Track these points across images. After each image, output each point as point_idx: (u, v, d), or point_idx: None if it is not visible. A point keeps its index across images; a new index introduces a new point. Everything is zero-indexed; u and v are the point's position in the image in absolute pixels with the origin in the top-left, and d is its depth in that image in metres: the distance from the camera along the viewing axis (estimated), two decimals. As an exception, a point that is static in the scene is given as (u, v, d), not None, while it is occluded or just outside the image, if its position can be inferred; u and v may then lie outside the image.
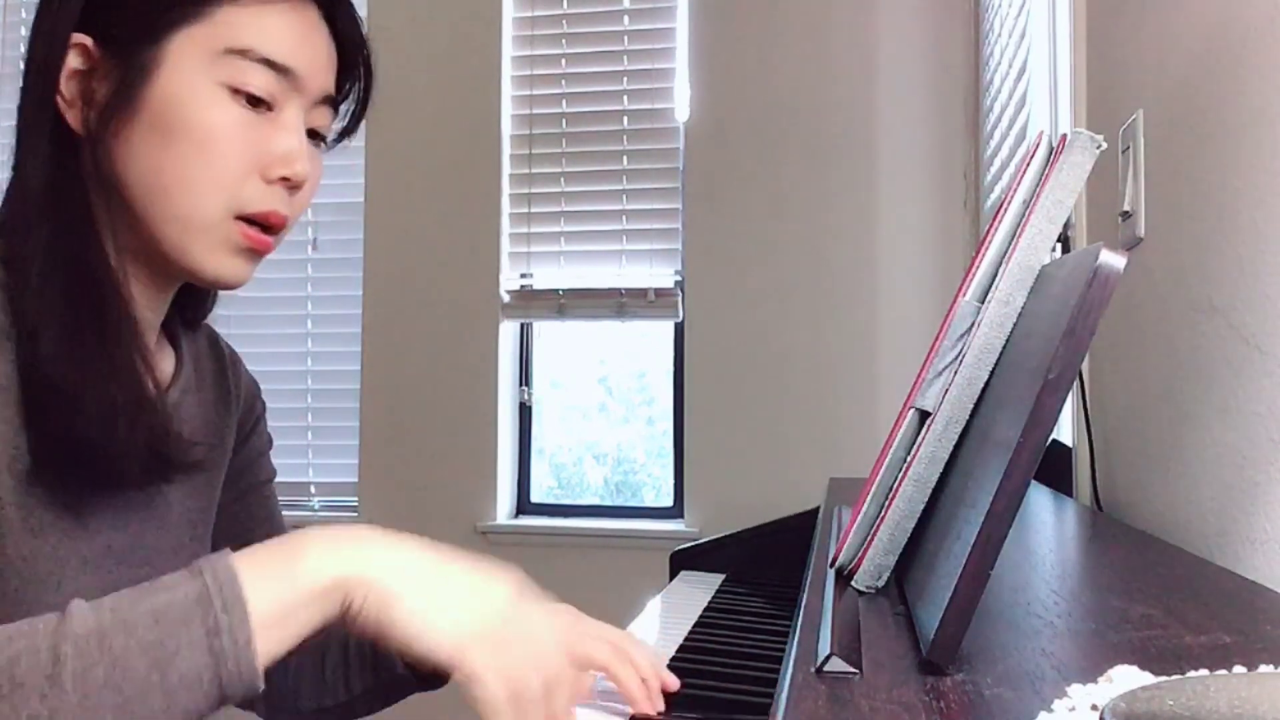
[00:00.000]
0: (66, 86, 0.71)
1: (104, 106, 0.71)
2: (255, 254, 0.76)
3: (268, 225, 0.75)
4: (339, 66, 0.79)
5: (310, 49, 0.75)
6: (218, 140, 0.71)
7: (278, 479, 1.03)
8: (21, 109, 0.72)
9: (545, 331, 3.05)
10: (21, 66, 0.74)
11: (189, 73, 0.71)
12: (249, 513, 0.95)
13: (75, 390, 0.67)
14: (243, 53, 0.71)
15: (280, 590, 0.57)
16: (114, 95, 0.70)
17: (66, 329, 0.68)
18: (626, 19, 2.91)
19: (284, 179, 0.74)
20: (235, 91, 0.72)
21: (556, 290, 2.90)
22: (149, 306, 0.78)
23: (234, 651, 0.54)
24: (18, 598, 0.66)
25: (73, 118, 0.71)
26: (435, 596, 0.60)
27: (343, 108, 0.81)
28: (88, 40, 0.71)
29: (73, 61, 0.71)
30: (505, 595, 0.64)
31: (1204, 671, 0.49)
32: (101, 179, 0.71)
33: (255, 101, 0.72)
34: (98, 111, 0.71)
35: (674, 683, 0.78)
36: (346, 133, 0.83)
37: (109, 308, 0.71)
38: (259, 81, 0.72)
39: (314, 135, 0.78)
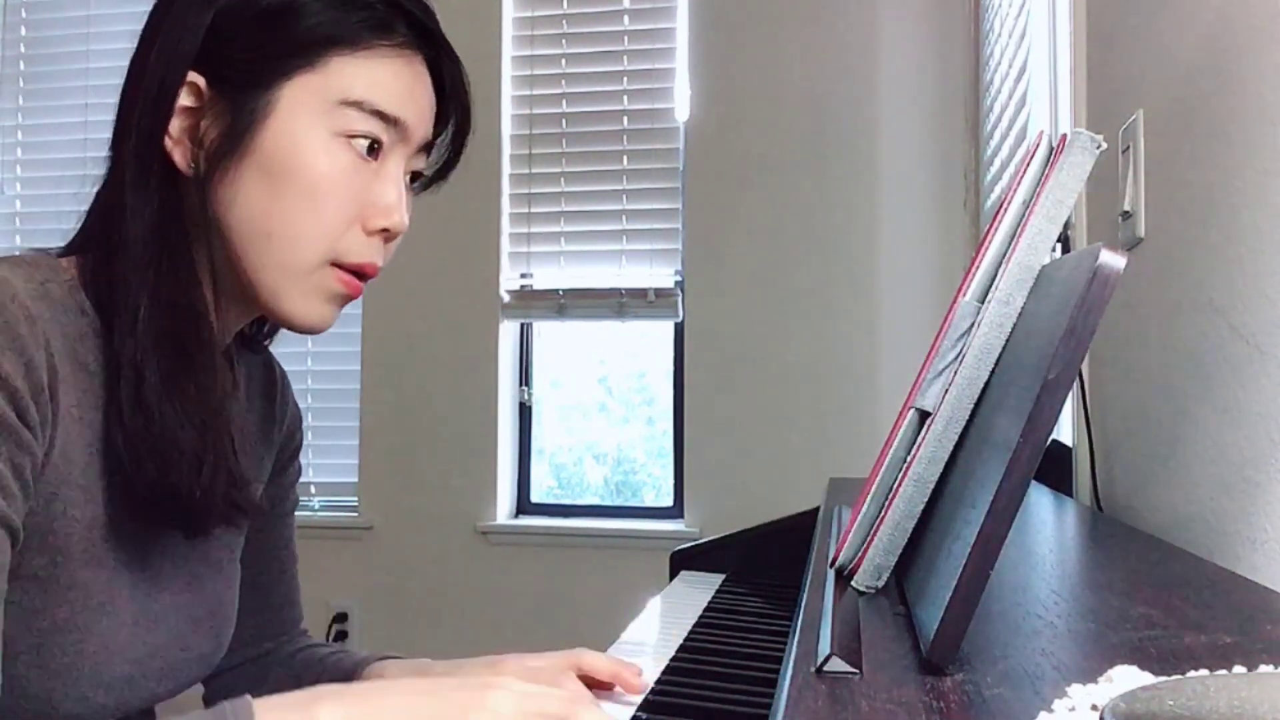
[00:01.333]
0: (174, 125, 0.71)
1: (214, 149, 0.70)
2: (345, 299, 0.76)
3: (362, 274, 0.75)
4: (436, 111, 0.79)
5: (417, 100, 0.75)
6: (326, 189, 0.71)
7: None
8: (123, 142, 0.71)
9: (545, 331, 3.06)
10: (119, 100, 0.73)
11: (301, 120, 0.71)
12: (270, 541, 0.95)
13: (175, 437, 0.67)
14: (357, 104, 0.71)
15: None
16: (224, 138, 0.70)
17: (169, 375, 0.68)
18: (626, 19, 2.91)
19: (383, 230, 0.75)
20: (346, 140, 0.72)
21: (556, 290, 2.90)
22: (225, 335, 0.78)
23: None
24: (66, 624, 0.67)
25: (179, 157, 0.71)
26: (413, 714, 0.61)
27: (434, 151, 0.81)
28: (200, 80, 0.71)
29: (183, 100, 0.71)
30: (502, 697, 0.63)
31: (1204, 671, 0.49)
32: (204, 220, 0.71)
33: (370, 150, 0.73)
34: (206, 153, 0.70)
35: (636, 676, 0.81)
36: (437, 179, 0.83)
37: (208, 353, 0.71)
38: (370, 131, 0.72)
39: (409, 179, 0.79)
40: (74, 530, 0.67)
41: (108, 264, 0.70)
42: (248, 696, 0.60)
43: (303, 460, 1.00)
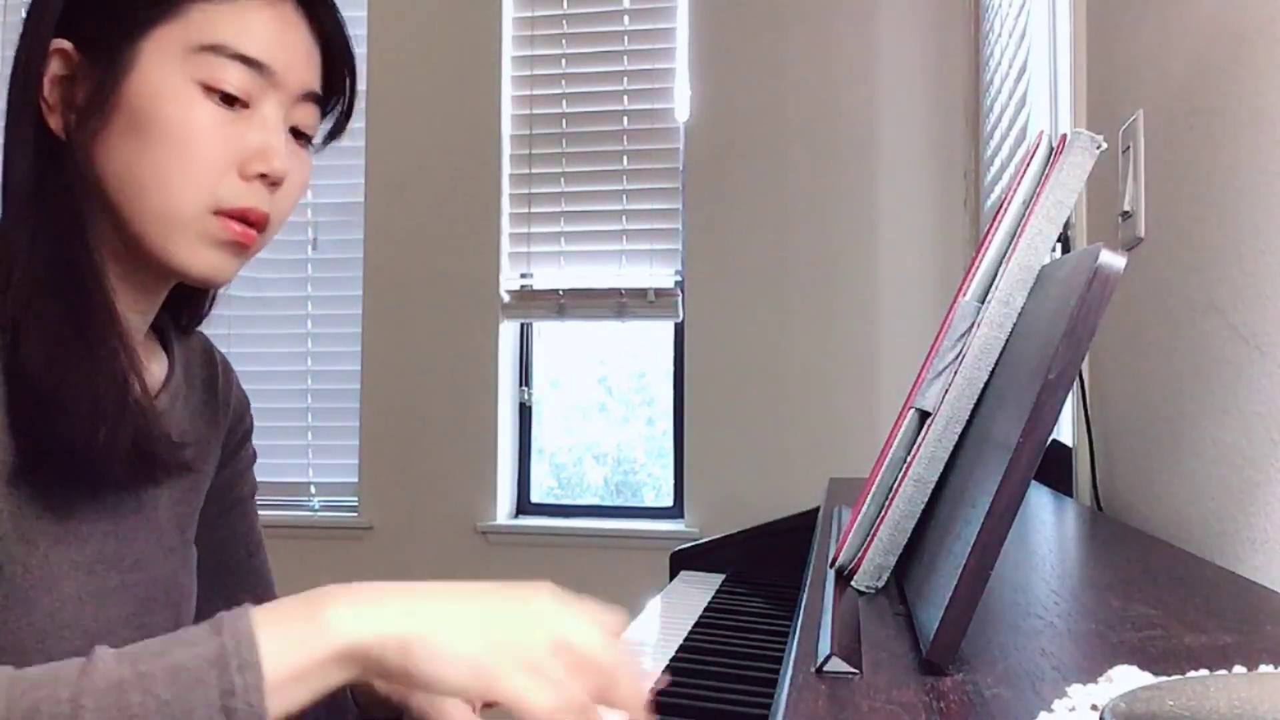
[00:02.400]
0: (49, 92, 0.72)
1: (82, 109, 0.71)
2: (239, 248, 0.75)
3: (247, 221, 0.75)
4: (325, 66, 0.79)
5: (287, 45, 0.75)
6: (192, 137, 0.71)
7: (278, 480, 1.04)
8: (6, 115, 0.73)
9: (545, 331, 3.06)
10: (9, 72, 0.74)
11: (163, 71, 0.71)
12: (230, 528, 0.95)
13: (58, 391, 0.67)
14: (215, 49, 0.71)
15: (297, 652, 0.55)
16: (91, 97, 0.71)
17: (50, 330, 0.68)
18: (626, 19, 2.91)
19: (262, 175, 0.74)
20: (210, 89, 0.72)
21: (556, 290, 2.90)
22: (136, 309, 0.78)
23: (247, 714, 0.53)
24: (9, 603, 0.67)
25: (55, 122, 0.72)
26: (454, 636, 0.57)
27: (328, 108, 0.81)
28: (68, 45, 0.72)
29: (54, 67, 0.72)
30: (524, 611, 0.61)
31: (1204, 671, 0.49)
32: (85, 181, 0.72)
33: (230, 99, 0.73)
34: (77, 114, 0.71)
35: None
36: (334, 133, 0.82)
37: (94, 309, 0.71)
38: (234, 78, 0.72)
39: (299, 135, 0.78)
40: (2, 505, 0.66)
41: None
42: (248, 607, 0.56)
43: (302, 460, 1.00)
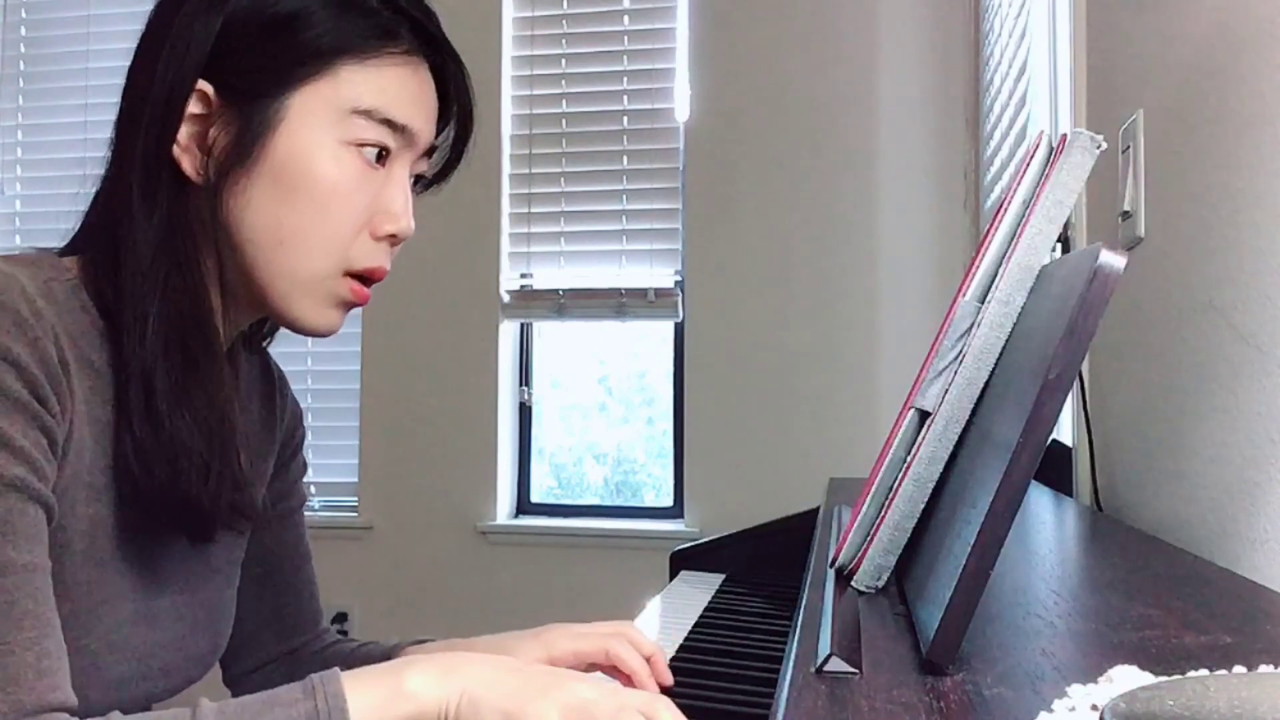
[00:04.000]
0: (182, 133, 0.71)
1: (223, 157, 0.70)
2: (353, 305, 0.76)
3: (371, 279, 0.76)
4: (439, 114, 0.79)
5: (423, 107, 0.76)
6: (337, 197, 0.71)
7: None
8: (130, 147, 0.71)
9: (545, 331, 3.06)
10: (123, 104, 0.72)
11: (311, 129, 0.71)
12: (280, 539, 0.95)
13: (185, 445, 0.68)
14: (366, 113, 0.72)
15: (381, 715, 0.60)
16: (234, 146, 0.70)
17: (179, 382, 0.69)
18: (626, 19, 2.92)
19: (390, 235, 0.75)
20: (356, 149, 0.72)
21: (556, 290, 2.90)
22: (226, 339, 0.78)
23: None
24: (69, 623, 0.67)
25: (188, 164, 0.71)
26: (519, 699, 0.62)
27: (436, 155, 0.81)
28: (209, 88, 0.71)
29: (192, 108, 0.71)
30: (583, 687, 0.64)
31: (1204, 671, 0.49)
32: (213, 228, 0.71)
33: (380, 158, 0.73)
34: (215, 162, 0.70)
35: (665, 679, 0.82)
36: (436, 182, 0.83)
37: (215, 361, 0.72)
38: (379, 139, 0.73)
39: (412, 181, 0.79)
40: (80, 526, 0.67)
41: (114, 271, 0.70)
42: (336, 668, 0.61)
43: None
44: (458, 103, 0.80)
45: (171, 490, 0.68)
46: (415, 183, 0.80)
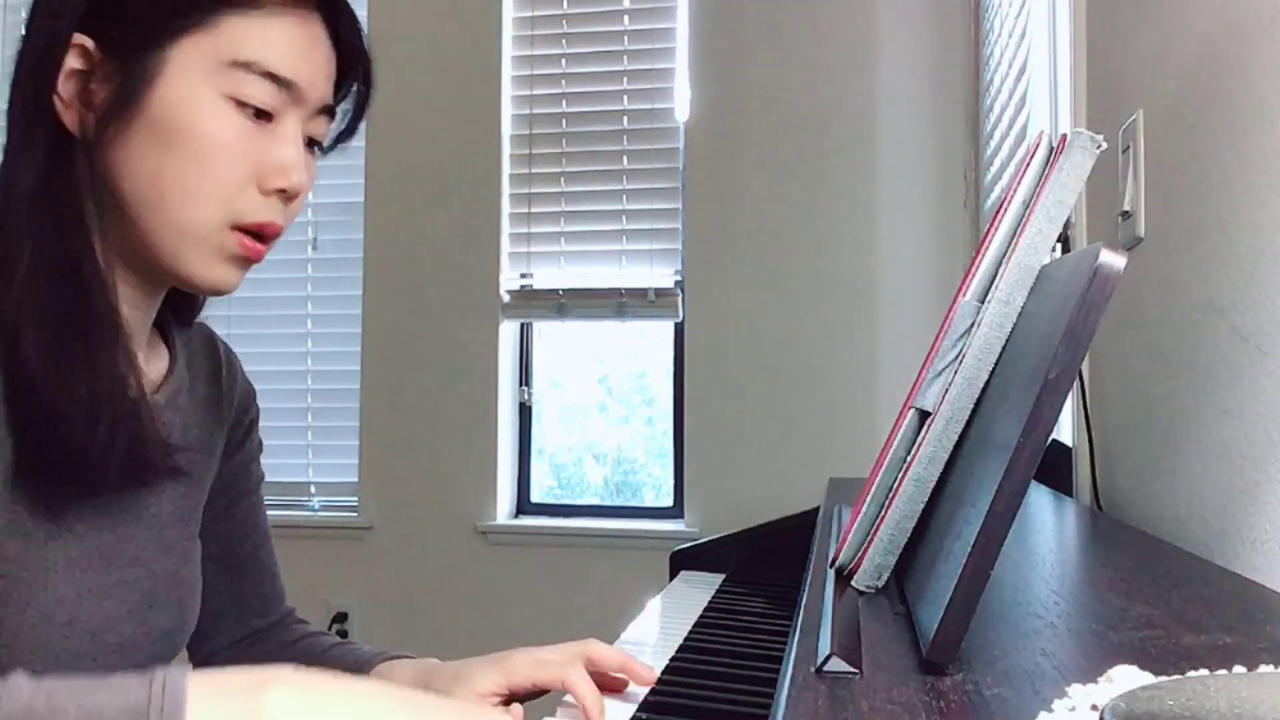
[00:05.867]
0: (64, 87, 0.70)
1: (103, 111, 0.70)
2: (247, 262, 0.75)
3: (262, 235, 0.75)
4: (338, 73, 0.78)
5: (312, 62, 0.75)
6: (218, 150, 0.71)
7: (278, 480, 1.04)
8: (13, 106, 0.71)
9: (545, 331, 3.05)
10: (13, 62, 0.72)
11: (191, 81, 0.70)
12: (236, 518, 0.95)
13: (57, 393, 0.67)
14: (246, 65, 0.71)
15: None
16: (114, 100, 0.70)
17: (50, 331, 0.67)
18: (626, 19, 2.91)
19: (280, 190, 0.74)
20: (237, 103, 0.71)
21: (556, 290, 2.90)
22: (138, 307, 0.78)
23: None
24: (5, 599, 0.67)
25: (69, 119, 0.71)
26: None
27: (338, 111, 0.81)
28: (88, 41, 0.70)
29: (72, 62, 0.70)
30: (452, 711, 0.58)
31: (1204, 671, 0.49)
32: (96, 183, 0.71)
33: (257, 114, 0.72)
34: (96, 115, 0.70)
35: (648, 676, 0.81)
36: (341, 139, 0.82)
37: (95, 310, 0.70)
38: (261, 94, 0.72)
39: (310, 143, 0.78)
40: None
41: None
42: (187, 668, 0.51)
43: (302, 460, 1.00)
44: (353, 55, 0.79)
45: (52, 443, 0.67)
46: (313, 145, 0.79)
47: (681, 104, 2.86)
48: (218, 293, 0.76)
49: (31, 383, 0.66)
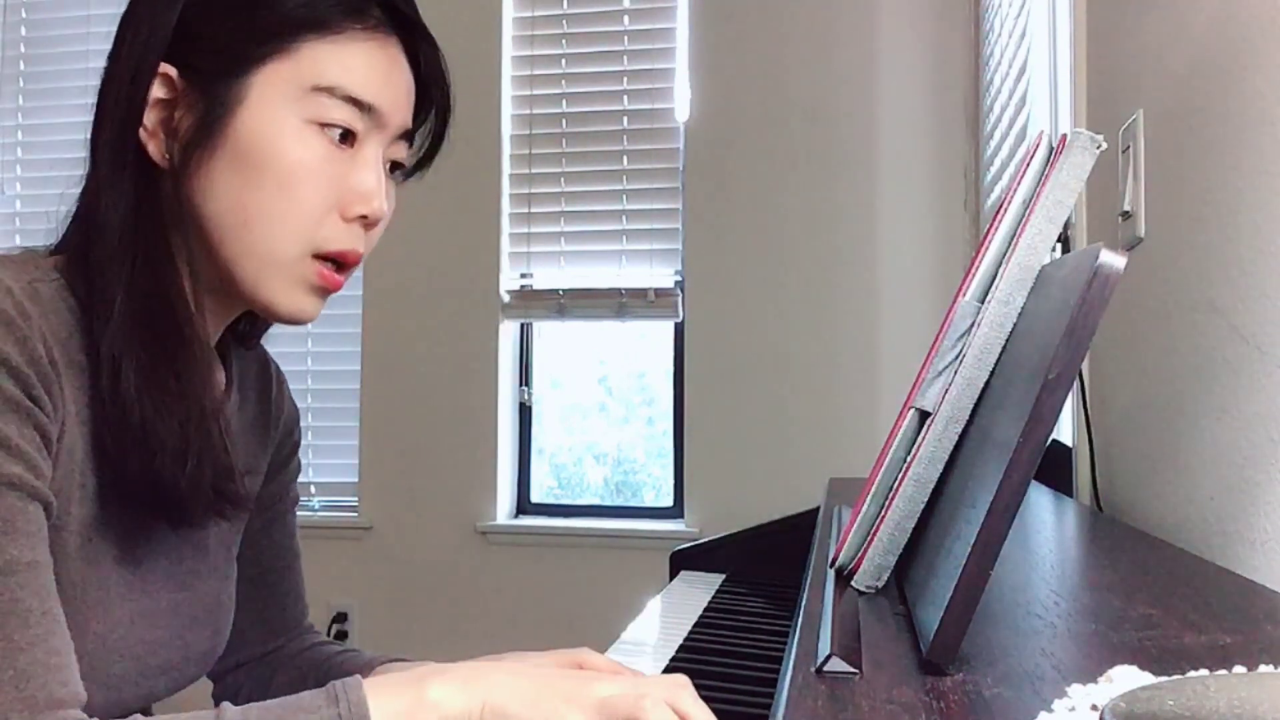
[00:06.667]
0: (149, 117, 0.70)
1: (187, 140, 0.70)
2: (326, 292, 0.75)
3: (343, 262, 0.74)
4: (416, 98, 0.78)
5: (393, 86, 0.74)
6: (301, 177, 0.70)
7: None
8: (99, 137, 0.71)
9: (545, 331, 3.06)
10: (97, 94, 0.73)
11: (274, 108, 0.70)
12: (272, 538, 0.95)
13: (155, 427, 0.67)
14: (329, 90, 0.71)
15: None
16: (197, 128, 0.70)
17: (147, 365, 0.68)
18: (626, 19, 2.91)
19: (362, 217, 0.74)
20: (319, 128, 0.71)
21: (556, 290, 2.90)
22: (209, 330, 0.78)
23: None
24: (67, 623, 0.67)
25: (154, 149, 0.71)
26: (542, 708, 0.61)
27: (417, 139, 0.80)
28: (172, 71, 0.70)
29: (156, 92, 0.70)
30: (603, 685, 0.64)
31: (1204, 671, 0.49)
32: (181, 211, 0.71)
33: (343, 137, 0.72)
34: (180, 144, 0.70)
35: None
36: (421, 166, 0.82)
37: (186, 343, 0.70)
38: (344, 119, 0.71)
39: (391, 169, 0.78)
40: (74, 526, 0.67)
41: (84, 257, 0.69)
42: (359, 678, 0.61)
43: (303, 460, 1.00)
44: (433, 82, 0.78)
45: (146, 475, 0.67)
46: (394, 169, 0.78)
47: (681, 104, 2.86)
48: (297, 322, 0.76)
49: (131, 415, 0.67)
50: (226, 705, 0.59)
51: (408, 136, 0.78)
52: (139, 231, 0.70)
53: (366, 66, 0.72)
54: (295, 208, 0.71)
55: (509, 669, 0.64)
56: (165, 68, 0.70)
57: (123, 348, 0.67)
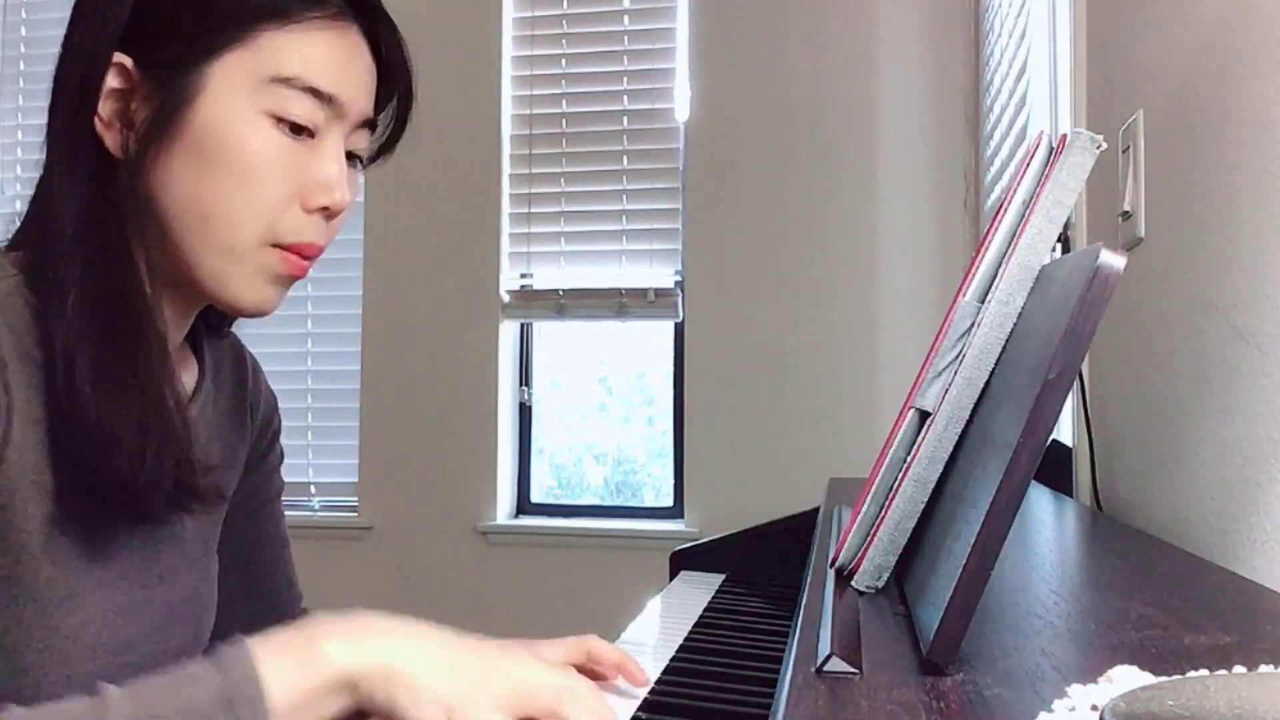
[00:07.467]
0: (104, 107, 0.69)
1: (144, 130, 0.69)
2: (290, 280, 0.74)
3: (304, 254, 0.74)
4: (378, 85, 0.77)
5: (353, 75, 0.73)
6: (261, 169, 0.70)
7: (278, 480, 1.03)
8: (54, 128, 0.70)
9: (545, 331, 3.06)
10: (51, 84, 0.71)
11: (232, 99, 0.69)
12: (259, 529, 0.95)
13: (109, 423, 0.66)
14: (287, 81, 0.70)
15: (298, 683, 0.56)
16: (154, 119, 0.69)
17: (101, 359, 0.67)
18: (626, 19, 2.91)
19: (324, 208, 0.73)
20: (278, 120, 0.70)
21: (556, 290, 2.90)
22: (176, 326, 0.77)
23: None
24: (33, 621, 0.66)
25: (110, 140, 0.70)
26: (432, 674, 0.60)
27: (379, 127, 0.79)
28: (128, 61, 0.69)
29: (111, 82, 0.69)
30: (501, 655, 0.64)
31: (1204, 671, 0.49)
32: (138, 203, 0.70)
33: (298, 130, 0.71)
34: (137, 135, 0.69)
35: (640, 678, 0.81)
36: (382, 153, 0.81)
37: (142, 335, 0.69)
38: (302, 110, 0.70)
39: (350, 157, 0.77)
40: (33, 527, 0.66)
41: (40, 250, 0.68)
42: (245, 643, 0.57)
43: (302, 460, 1.00)
44: (394, 67, 0.78)
45: (103, 471, 0.66)
46: (351, 158, 0.77)
47: (681, 104, 2.86)
48: (259, 313, 0.75)
49: (84, 411, 0.66)
50: (106, 686, 0.54)
51: (369, 124, 0.77)
52: (94, 224, 0.69)
53: (327, 56, 0.71)
54: (255, 200, 0.70)
55: (427, 636, 0.61)
56: (120, 57, 0.69)
57: (76, 342, 0.66)
